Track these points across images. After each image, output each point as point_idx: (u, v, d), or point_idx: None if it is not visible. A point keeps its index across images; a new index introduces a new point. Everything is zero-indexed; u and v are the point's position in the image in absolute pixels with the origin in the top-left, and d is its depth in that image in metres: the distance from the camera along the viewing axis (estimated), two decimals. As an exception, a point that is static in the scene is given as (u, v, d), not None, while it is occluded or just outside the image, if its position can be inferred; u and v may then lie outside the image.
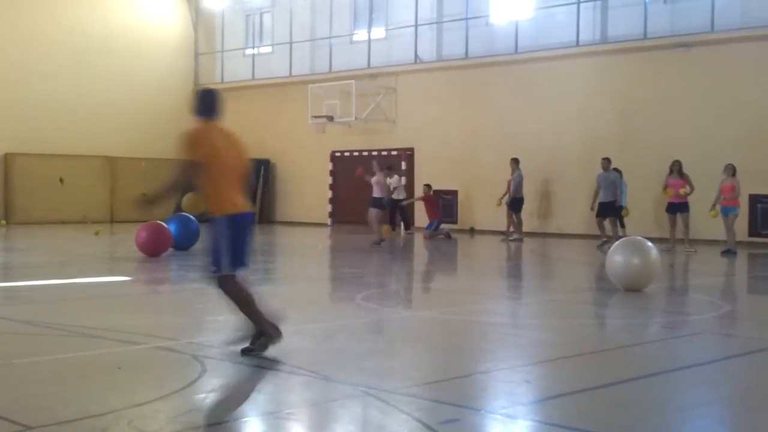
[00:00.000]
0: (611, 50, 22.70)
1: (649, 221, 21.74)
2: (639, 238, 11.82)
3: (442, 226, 22.85)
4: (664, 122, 21.73)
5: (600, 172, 19.60)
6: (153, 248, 15.56)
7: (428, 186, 23.24)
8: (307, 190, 29.16)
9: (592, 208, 19.77)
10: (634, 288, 10.99)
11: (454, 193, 25.01)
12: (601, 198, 19.30)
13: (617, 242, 11.68)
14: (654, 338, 8.13)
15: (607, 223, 19.37)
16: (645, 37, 22.05)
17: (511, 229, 21.88)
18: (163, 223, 16.14)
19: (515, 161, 22.10)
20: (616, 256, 11.18)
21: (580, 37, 23.12)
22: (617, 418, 5.22)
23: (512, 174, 21.99)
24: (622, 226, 20.01)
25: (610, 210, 19.32)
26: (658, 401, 5.67)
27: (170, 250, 15.99)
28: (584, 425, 5.01)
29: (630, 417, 5.26)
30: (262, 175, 30.07)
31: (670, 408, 5.52)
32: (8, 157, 27.66)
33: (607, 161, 19.52)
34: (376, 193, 19.73)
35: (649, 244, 11.23)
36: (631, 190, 20.86)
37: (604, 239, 18.78)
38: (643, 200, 21.61)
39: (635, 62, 22.29)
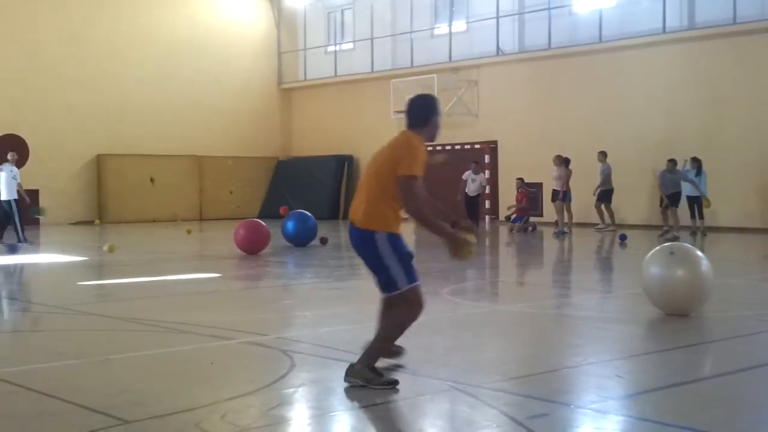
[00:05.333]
0: (699, 36, 22.15)
1: (741, 212, 21.20)
2: (686, 245, 9.25)
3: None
4: (754, 111, 21.11)
5: (663, 170, 19.73)
6: (251, 246, 15.72)
7: (521, 180, 23.02)
8: (391, 185, 29.19)
9: (661, 204, 20.11)
10: (677, 312, 8.45)
11: (539, 185, 24.73)
12: (667, 191, 19.61)
13: (656, 249, 8.85)
14: (748, 331, 7.91)
15: (669, 212, 19.66)
16: (734, 22, 21.45)
17: (607, 221, 21.81)
18: (260, 221, 16.50)
19: (603, 154, 21.88)
20: (653, 268, 8.58)
21: (667, 24, 22.63)
22: (711, 414, 5.10)
23: (600, 167, 21.82)
24: (701, 217, 19.66)
25: (675, 200, 19.52)
26: (752, 397, 5.52)
27: (271, 245, 16.29)
28: (677, 421, 4.91)
29: (724, 413, 5.14)
30: (345, 171, 30.30)
31: (765, 403, 5.38)
32: (100, 159, 28.47)
33: (672, 163, 19.68)
34: (556, 186, 21.05)
35: (699, 253, 8.65)
36: (719, 180, 20.38)
37: (666, 228, 19.40)
38: (732, 190, 21.07)
39: (724, 49, 21.69)
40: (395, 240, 5.64)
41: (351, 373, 5.72)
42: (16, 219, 18.22)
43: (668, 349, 7.05)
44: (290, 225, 17.18)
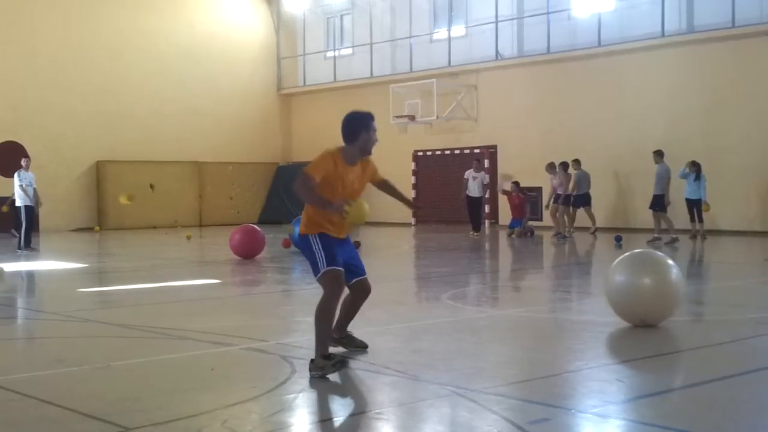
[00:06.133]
0: (698, 40, 22.16)
1: (742, 215, 21.20)
2: (651, 251, 8.70)
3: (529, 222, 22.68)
4: (754, 114, 21.11)
5: (664, 164, 19.52)
6: (246, 250, 15.91)
7: (516, 183, 22.95)
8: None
9: (668, 203, 19.65)
10: (645, 323, 8.01)
11: (539, 190, 24.74)
12: (654, 191, 19.47)
13: (621, 258, 8.35)
14: (749, 335, 7.91)
15: (659, 216, 19.48)
16: (733, 25, 21.45)
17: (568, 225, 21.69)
18: (255, 226, 16.56)
19: (577, 162, 21.71)
20: (618, 276, 8.13)
21: (666, 28, 22.64)
22: (712, 418, 5.10)
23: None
24: (701, 220, 19.58)
25: (659, 203, 19.36)
26: (753, 400, 5.51)
27: (271, 251, 16.33)
28: (678, 425, 4.91)
29: (725, 416, 5.13)
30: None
31: (766, 407, 5.37)
32: (100, 165, 28.47)
33: (658, 155, 19.53)
34: (560, 190, 21.04)
35: (670, 261, 8.13)
36: (719, 184, 20.36)
37: (656, 235, 19.04)
38: (732, 193, 21.07)
39: (723, 52, 21.70)
40: (325, 238, 6.39)
41: (311, 367, 6.23)
42: (24, 226, 18.36)
43: (669, 353, 7.04)
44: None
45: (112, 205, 28.36)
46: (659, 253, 8.40)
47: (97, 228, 27.69)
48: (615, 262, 8.29)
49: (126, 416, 5.15)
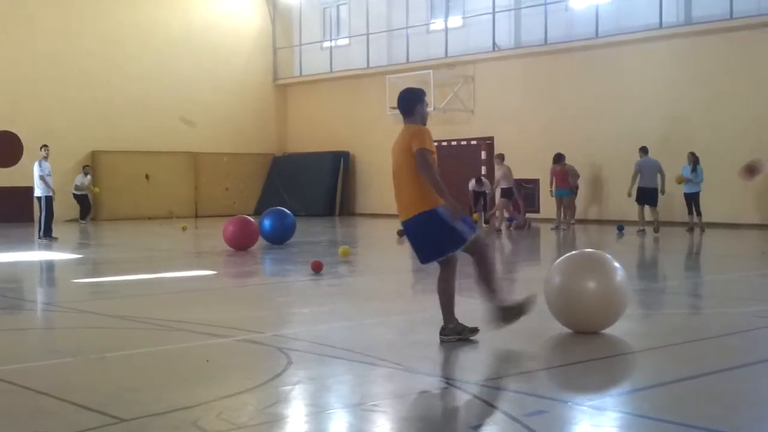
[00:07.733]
0: (696, 32, 22.12)
1: (736, 207, 21.18)
2: (595, 252, 7.88)
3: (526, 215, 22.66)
4: (750, 105, 21.08)
5: (641, 159, 19.64)
6: (240, 242, 15.84)
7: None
8: (387, 181, 28.86)
9: (629, 194, 19.78)
10: (587, 329, 7.28)
11: (536, 181, 24.72)
12: (641, 184, 19.54)
13: (561, 258, 7.64)
14: (746, 327, 7.89)
15: (647, 210, 19.62)
16: (731, 17, 21.42)
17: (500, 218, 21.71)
18: (249, 217, 16.48)
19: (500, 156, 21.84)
20: (556, 278, 7.37)
21: (663, 19, 22.60)
22: (709, 410, 5.08)
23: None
24: (699, 213, 19.55)
25: (652, 196, 19.46)
26: (751, 393, 5.50)
27: (261, 242, 16.26)
28: (675, 417, 4.89)
29: (722, 409, 5.12)
30: (341, 167, 30.28)
31: (763, 400, 5.36)
32: (95, 155, 28.40)
33: (643, 151, 19.78)
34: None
35: (616, 264, 7.35)
36: (718, 176, 20.35)
37: (642, 227, 19.36)
38: (727, 185, 21.05)
39: (721, 44, 21.66)
40: (445, 210, 6.62)
41: (448, 331, 6.80)
42: (42, 215, 18.41)
43: (666, 345, 7.02)
44: (267, 222, 16.75)
45: (106, 195, 28.30)
46: (606, 254, 7.61)
47: (92, 218, 27.61)
48: (555, 263, 7.65)
49: (121, 407, 5.13)
